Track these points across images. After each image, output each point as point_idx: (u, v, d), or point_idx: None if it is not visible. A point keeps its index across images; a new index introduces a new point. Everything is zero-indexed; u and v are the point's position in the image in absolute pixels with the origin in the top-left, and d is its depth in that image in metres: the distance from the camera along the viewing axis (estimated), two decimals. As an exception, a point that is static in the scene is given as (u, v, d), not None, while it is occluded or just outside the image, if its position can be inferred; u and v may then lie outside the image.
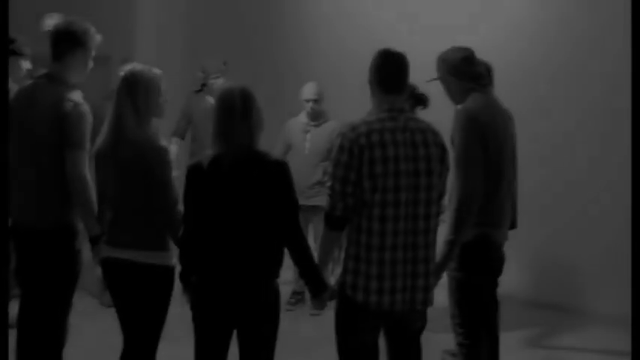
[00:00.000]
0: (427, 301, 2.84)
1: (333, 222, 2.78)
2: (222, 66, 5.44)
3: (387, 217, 2.71)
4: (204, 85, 5.49)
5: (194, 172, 2.74)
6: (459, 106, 3.28)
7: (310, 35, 7.02)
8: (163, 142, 2.92)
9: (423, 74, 3.38)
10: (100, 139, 2.95)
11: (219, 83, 5.37)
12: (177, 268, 2.91)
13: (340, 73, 6.55)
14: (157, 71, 3.00)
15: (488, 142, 3.21)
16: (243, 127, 2.68)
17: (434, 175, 2.78)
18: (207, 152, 2.74)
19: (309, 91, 5.20)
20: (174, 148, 4.94)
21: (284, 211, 2.71)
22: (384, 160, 2.70)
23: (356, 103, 6.11)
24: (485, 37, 5.44)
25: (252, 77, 6.60)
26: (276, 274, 2.77)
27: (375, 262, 2.73)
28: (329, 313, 2.94)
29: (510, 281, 3.94)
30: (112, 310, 3.07)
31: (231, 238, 2.70)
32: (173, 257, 2.97)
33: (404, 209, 2.73)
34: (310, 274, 2.76)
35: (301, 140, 5.19)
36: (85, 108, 3.11)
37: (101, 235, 3.06)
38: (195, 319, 2.82)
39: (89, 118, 3.12)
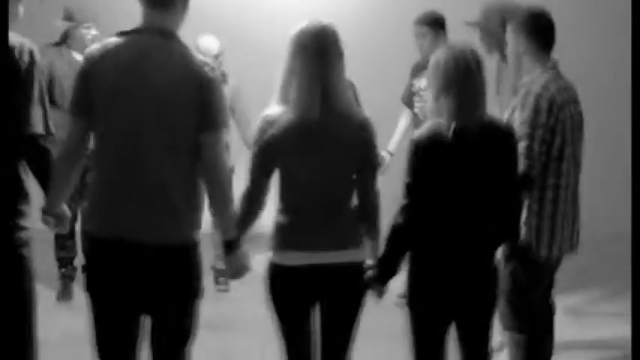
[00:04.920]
0: (577, 244, 3.04)
1: (532, 183, 2.76)
2: (94, 13, 4.37)
3: (569, 170, 2.85)
4: (66, 37, 4.37)
5: (434, 146, 2.40)
6: None
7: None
8: None
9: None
10: (295, 112, 2.30)
11: (92, 35, 4.34)
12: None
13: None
14: None
15: None
16: (483, 92, 2.44)
17: (583, 128, 2.97)
18: (441, 122, 2.42)
19: (209, 45, 4.36)
20: None
21: (513, 183, 2.55)
22: (571, 117, 2.81)
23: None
24: None
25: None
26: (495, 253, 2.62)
27: (560, 215, 2.84)
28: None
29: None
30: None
31: (468, 217, 2.44)
32: None
33: (572, 161, 2.88)
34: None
35: None
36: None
37: (239, 238, 2.43)
38: (415, 312, 2.54)
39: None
